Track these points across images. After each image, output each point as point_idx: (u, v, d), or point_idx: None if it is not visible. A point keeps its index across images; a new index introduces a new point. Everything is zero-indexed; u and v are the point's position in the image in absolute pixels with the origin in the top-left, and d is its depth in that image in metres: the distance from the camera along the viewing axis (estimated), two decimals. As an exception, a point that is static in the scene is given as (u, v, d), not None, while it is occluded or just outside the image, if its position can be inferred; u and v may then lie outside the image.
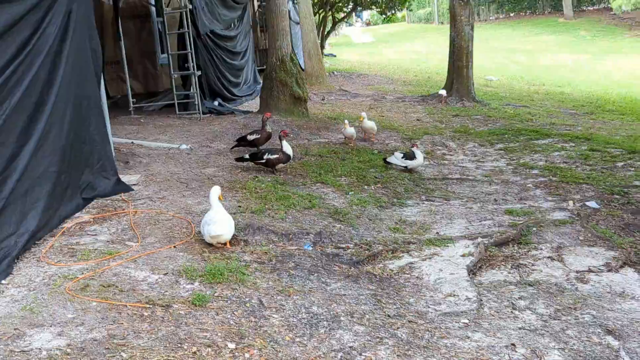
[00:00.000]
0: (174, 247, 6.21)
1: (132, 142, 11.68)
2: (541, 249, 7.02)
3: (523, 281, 6.20)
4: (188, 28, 14.56)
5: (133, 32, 18.42)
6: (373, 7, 31.15)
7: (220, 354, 4.30)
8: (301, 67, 24.18)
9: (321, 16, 28.96)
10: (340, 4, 29.98)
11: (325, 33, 29.02)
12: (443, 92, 18.92)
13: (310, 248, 6.72)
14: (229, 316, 4.85)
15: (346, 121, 11.67)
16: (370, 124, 12.63)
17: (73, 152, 7.37)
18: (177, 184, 8.51)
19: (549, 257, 6.82)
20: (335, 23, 30.80)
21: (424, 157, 10.30)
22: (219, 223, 6.06)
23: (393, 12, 34.09)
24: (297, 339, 4.65)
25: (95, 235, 6.58)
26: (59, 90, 7.00)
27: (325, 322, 4.95)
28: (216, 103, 16.11)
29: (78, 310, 4.74)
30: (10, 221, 5.85)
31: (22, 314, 4.67)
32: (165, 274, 5.50)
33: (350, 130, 11.90)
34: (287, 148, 9.37)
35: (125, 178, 8.63)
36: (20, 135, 6.22)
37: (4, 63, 5.99)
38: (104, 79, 17.73)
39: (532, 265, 6.64)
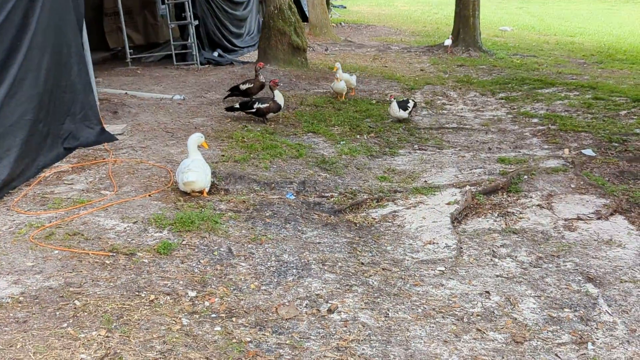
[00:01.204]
0: (149, 195, 6.06)
1: (126, 93, 11.50)
2: (531, 197, 6.81)
3: (508, 229, 6.01)
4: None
5: (133, -18, 18.08)
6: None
7: (179, 302, 4.17)
8: (305, 17, 23.81)
9: (328, -34, 28.42)
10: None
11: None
12: (449, 42, 18.52)
13: (293, 197, 6.55)
14: (194, 264, 4.71)
15: (337, 74, 11.21)
16: (346, 77, 11.72)
17: (52, 100, 7.20)
18: (162, 134, 8.34)
19: (538, 205, 6.62)
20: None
21: (406, 109, 9.91)
22: (193, 170, 5.90)
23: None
24: (263, 287, 4.51)
25: (72, 184, 6.45)
26: (34, 37, 6.80)
27: (294, 270, 4.80)
28: (215, 54, 15.84)
29: (38, 259, 4.62)
30: (-21, 170, 5.71)
31: (-19, 262, 4.55)
32: (134, 223, 5.36)
33: (341, 85, 11.33)
34: (278, 97, 9.14)
35: (110, 128, 8.47)
36: (-12, 83, 6.05)
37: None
38: (103, 29, 17.54)
39: (520, 213, 6.45)
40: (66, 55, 7.61)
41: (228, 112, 9.54)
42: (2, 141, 6.11)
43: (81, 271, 4.45)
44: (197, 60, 14.47)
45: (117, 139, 8.08)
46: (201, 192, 6.16)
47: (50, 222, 5.31)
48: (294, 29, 13.83)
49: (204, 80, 12.78)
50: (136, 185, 6.37)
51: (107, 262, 4.62)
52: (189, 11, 14.43)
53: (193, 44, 14.49)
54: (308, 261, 4.97)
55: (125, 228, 5.25)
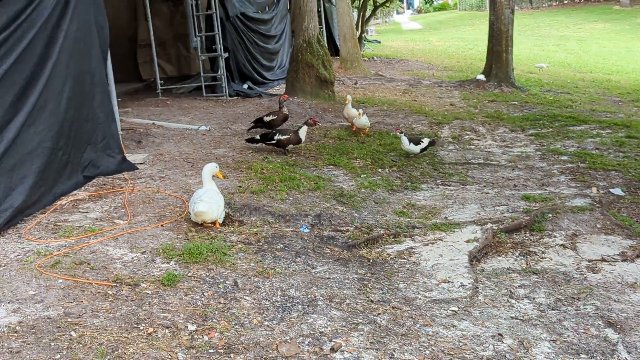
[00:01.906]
0: (161, 225, 6.00)
1: (153, 123, 11.55)
2: (554, 237, 6.63)
3: (528, 269, 5.83)
4: (216, 9, 14.35)
5: (167, 14, 18.31)
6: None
7: (177, 336, 4.07)
8: (337, 50, 23.88)
9: (361, 1, 28.49)
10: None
11: (366, 18, 28.53)
12: (481, 77, 18.35)
13: (307, 230, 6.45)
14: (197, 297, 4.62)
15: (360, 111, 11.06)
16: (353, 112, 11.17)
17: (73, 129, 7.23)
18: (182, 164, 8.31)
19: (561, 245, 6.43)
20: (376, 8, 30.31)
21: (418, 144, 9.71)
22: (205, 201, 5.83)
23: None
24: (266, 323, 4.39)
25: (87, 212, 6.43)
26: (56, 65, 6.86)
27: (299, 306, 4.68)
28: (245, 86, 15.90)
29: (41, 287, 4.56)
30: (-8, 197, 5.72)
31: (-17, 290, 4.51)
32: (142, 253, 5.29)
33: (363, 120, 11.07)
34: (302, 131, 9.09)
35: (131, 157, 8.47)
36: (8, 110, 6.08)
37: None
38: (136, 60, 17.75)
39: (542, 253, 6.26)
40: (89, 85, 7.65)
41: (249, 144, 9.50)
42: (18, 169, 6.12)
43: (82, 301, 4.38)
44: (226, 92, 14.53)
45: (137, 168, 8.07)
46: (213, 223, 6.08)
47: (59, 250, 5.27)
48: (322, 62, 13.83)
49: (231, 111, 12.80)
50: (150, 215, 6.32)
51: (110, 292, 4.55)
52: (220, 44, 14.53)
53: (222, 76, 14.55)
54: (315, 297, 4.85)
55: (132, 258, 5.19)
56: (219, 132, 10.74)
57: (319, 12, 25.12)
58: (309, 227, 6.53)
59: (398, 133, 9.69)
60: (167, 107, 13.59)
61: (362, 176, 8.56)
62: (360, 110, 10.87)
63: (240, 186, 7.32)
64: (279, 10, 19.84)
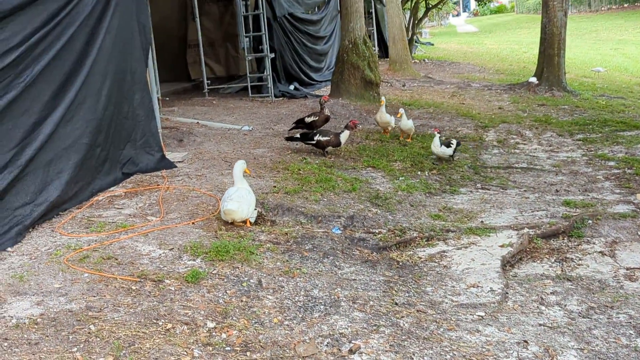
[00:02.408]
0: (193, 223, 6.03)
1: (197, 122, 11.66)
2: (593, 244, 6.45)
3: (563, 276, 5.68)
4: (263, 10, 14.42)
5: (217, 15, 18.47)
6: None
7: (196, 333, 4.07)
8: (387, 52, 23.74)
9: (413, 2, 28.30)
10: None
11: (417, 20, 28.33)
12: (533, 80, 18.03)
13: (339, 231, 6.41)
14: (220, 295, 4.62)
15: (402, 110, 10.87)
16: (409, 124, 10.88)
17: (112, 126, 7.33)
18: (220, 163, 8.36)
19: (599, 252, 6.25)
20: (428, 10, 30.08)
21: (449, 146, 9.45)
22: (234, 200, 5.83)
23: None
24: (286, 322, 4.37)
25: (121, 208, 6.50)
26: (95, 63, 6.96)
27: (322, 307, 4.64)
28: (292, 87, 15.94)
29: (67, 281, 4.62)
30: (27, 190, 5.82)
31: (11, 281, 4.60)
32: (170, 249, 5.32)
33: (409, 123, 10.79)
34: (343, 135, 9.04)
35: (171, 155, 8.56)
36: (46, 105, 6.19)
37: (29, 32, 5.94)
38: (186, 60, 17.93)
39: (579, 259, 6.10)
40: (129, 82, 7.75)
41: (289, 143, 9.51)
42: (55, 163, 6.22)
43: (105, 295, 4.42)
44: (271, 93, 14.58)
45: (176, 166, 8.15)
46: (244, 222, 6.08)
47: (89, 245, 5.34)
48: (368, 64, 13.77)
49: (274, 112, 12.84)
50: (183, 213, 6.37)
51: (133, 287, 4.58)
52: (266, 44, 14.59)
53: (268, 77, 14.61)
54: (338, 298, 4.81)
55: (160, 254, 5.22)
56: (260, 132, 10.77)
57: (370, 13, 25.10)
58: (341, 229, 6.48)
59: (436, 132, 9.49)
60: (213, 106, 13.71)
61: (400, 179, 8.47)
62: (402, 110, 10.71)
63: (275, 186, 7.32)
64: (329, 11, 19.85)
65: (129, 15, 7.75)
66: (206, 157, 8.64)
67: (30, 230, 5.72)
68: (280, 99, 14.82)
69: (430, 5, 30.55)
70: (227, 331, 4.14)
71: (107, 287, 4.55)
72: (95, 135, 6.89)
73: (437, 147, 9.33)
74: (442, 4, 34.81)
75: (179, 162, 8.39)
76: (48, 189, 6.06)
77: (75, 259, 5.01)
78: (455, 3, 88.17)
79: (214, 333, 4.10)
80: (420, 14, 28.93)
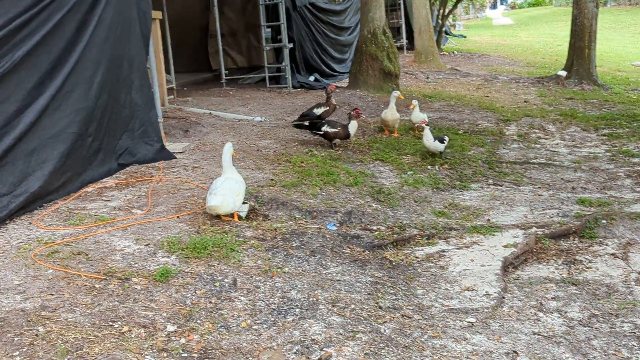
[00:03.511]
0: (177, 217, 5.76)
1: (210, 112, 11.40)
2: (606, 245, 6.04)
3: (568, 279, 5.29)
4: (281, -1, 14.11)
5: (239, 5, 18.15)
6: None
7: (153, 336, 3.78)
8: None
9: (442, -7, 27.76)
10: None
11: (446, 12, 27.72)
12: (562, 73, 17.46)
13: (334, 228, 6.08)
14: (188, 295, 4.32)
15: (415, 102, 10.44)
16: (420, 117, 10.26)
17: (106, 115, 7.09)
18: (221, 155, 8.04)
19: (611, 254, 5.84)
20: (458, 1, 29.42)
21: (442, 141, 8.86)
22: (218, 194, 5.53)
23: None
24: (255, 327, 4.06)
25: (108, 201, 6.25)
26: (87, 50, 6.71)
27: (297, 310, 4.32)
28: (312, 78, 15.60)
29: (28, 277, 4.37)
30: (5, 181, 5.59)
31: (-30, 277, 4.35)
32: (146, 245, 5.05)
33: (421, 115, 10.28)
34: (352, 126, 8.69)
35: (172, 146, 8.31)
36: (29, 93, 5.95)
37: (9, 17, 5.71)
38: (208, 52, 17.67)
39: (589, 262, 5.70)
40: (127, 70, 7.50)
41: (297, 132, 9.19)
42: (38, 153, 5.99)
43: (63, 294, 4.15)
44: (289, 84, 14.27)
45: (175, 157, 7.88)
46: (231, 215, 5.78)
47: (63, 239, 5.09)
48: (387, 55, 13.37)
49: (289, 103, 12.53)
50: (170, 206, 6.09)
51: (97, 286, 4.31)
52: (284, 34, 14.27)
53: (286, 67, 14.30)
54: (317, 300, 4.48)
55: (134, 250, 4.95)
56: (271, 123, 10.47)
57: (398, 4, 24.64)
58: (337, 225, 6.16)
59: (424, 124, 8.91)
60: (229, 97, 13.45)
61: (408, 173, 8.11)
62: (415, 101, 10.31)
63: (272, 179, 7.01)
64: (354, 1, 19.45)
65: (127, 1, 7.48)
66: (208, 148, 8.36)
67: (7, 222, 5.49)
68: (298, 90, 14.50)
69: (461, -4, 29.88)
70: (188, 335, 3.84)
71: (68, 284, 4.28)
72: (85, 124, 6.63)
73: (430, 140, 8.78)
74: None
75: (180, 153, 8.13)
76: (29, 180, 5.82)
77: (44, 253, 4.76)
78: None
79: (172, 337, 3.81)
80: (450, 6, 28.28)
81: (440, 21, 27.52)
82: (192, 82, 16.46)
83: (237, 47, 18.20)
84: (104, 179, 6.93)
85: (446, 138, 9.01)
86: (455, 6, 30.07)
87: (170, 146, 8.25)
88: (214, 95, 13.77)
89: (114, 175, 7.08)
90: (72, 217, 5.66)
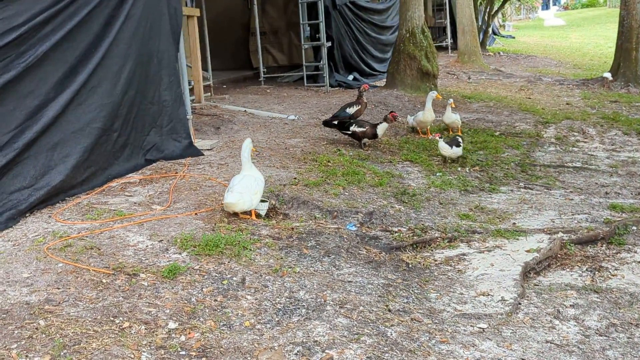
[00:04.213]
0: (195, 214, 5.75)
1: (245, 110, 11.42)
2: (634, 252, 5.85)
3: (590, 286, 5.12)
4: (319, -3, 14.06)
5: (281, 3, 18.16)
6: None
7: (153, 333, 3.76)
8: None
9: (488, -7, 27.35)
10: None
11: (492, 12, 27.33)
12: (608, 75, 17.05)
13: (354, 228, 6.01)
14: (194, 292, 4.30)
15: (451, 100, 10.28)
16: (452, 118, 10.35)
17: (133, 110, 7.13)
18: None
19: (639, 262, 5.64)
20: (504, 1, 28.98)
21: (459, 145, 8.59)
22: (235, 191, 5.50)
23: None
24: (258, 326, 4.01)
25: (130, 196, 6.28)
26: (114, 45, 6.76)
27: (303, 310, 4.26)
28: (351, 77, 15.52)
29: (38, 270, 4.40)
30: (26, 174, 5.65)
31: (-20, 269, 4.39)
32: (159, 241, 5.04)
33: (454, 116, 10.23)
34: (381, 127, 8.60)
35: (200, 143, 8.32)
36: (54, 87, 6.01)
37: (35, 12, 5.77)
38: (251, 50, 17.70)
39: (615, 269, 5.52)
40: (156, 67, 7.53)
41: (327, 132, 9.14)
42: (61, 147, 6.05)
43: (70, 288, 4.17)
44: (326, 82, 14.22)
45: (203, 154, 7.90)
46: (249, 213, 5.75)
47: (79, 233, 5.11)
48: (425, 54, 13.21)
49: (325, 102, 12.47)
50: (191, 202, 6.09)
51: (104, 280, 4.31)
52: (322, 33, 14.22)
53: (324, 66, 14.24)
54: (325, 301, 4.41)
55: (147, 246, 4.95)
56: (304, 122, 10.43)
57: (443, 3, 24.38)
58: (357, 225, 6.08)
59: (437, 137, 8.63)
60: (265, 95, 13.46)
61: (437, 174, 7.99)
62: (451, 100, 10.15)
63: (295, 178, 6.96)
64: (396, 0, 19.28)
65: (157, -3, 7.52)
66: (236, 145, 8.34)
67: (28, 215, 5.55)
68: (336, 88, 14.44)
69: (508, -4, 29.39)
70: (189, 333, 3.81)
71: (76, 279, 4.30)
72: (111, 119, 6.68)
73: (447, 150, 8.48)
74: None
75: (208, 149, 8.14)
76: (51, 174, 5.88)
77: (57, 247, 4.79)
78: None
79: (173, 335, 3.78)
80: (497, 6, 27.90)
81: (486, 21, 27.15)
82: (232, 80, 16.53)
83: (279, 45, 18.21)
84: (130, 174, 6.97)
85: (460, 140, 8.70)
86: (502, 6, 29.68)
87: (198, 143, 8.27)
88: (251, 93, 13.80)
89: (139, 171, 7.11)
90: (91, 211, 5.70)
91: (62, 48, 6.10)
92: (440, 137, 8.53)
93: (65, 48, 6.15)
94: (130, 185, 6.63)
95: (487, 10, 27.26)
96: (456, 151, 8.51)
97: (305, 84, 14.71)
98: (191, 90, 11.80)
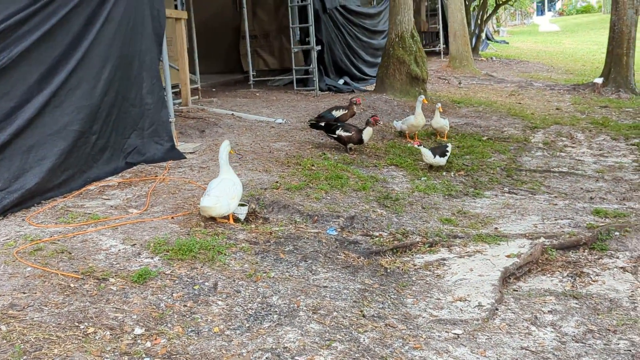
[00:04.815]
0: (172, 218, 5.66)
1: (232, 114, 11.35)
2: (616, 258, 5.78)
3: (570, 292, 5.05)
4: (310, 0, 13.98)
5: (272, 6, 18.09)
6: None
7: (118, 339, 3.67)
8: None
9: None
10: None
11: (485, 17, 27.32)
12: (598, 81, 17.02)
13: (334, 232, 5.93)
14: (164, 297, 4.21)
15: (439, 104, 10.22)
16: (441, 122, 10.24)
17: (113, 113, 7.05)
18: (231, 155, 7.95)
19: (621, 268, 5.59)
20: (497, 6, 28.97)
21: (444, 155, 8.37)
22: (212, 195, 5.42)
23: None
24: (227, 332, 3.93)
25: (108, 199, 6.20)
26: (93, 47, 6.68)
27: (275, 316, 4.18)
28: (341, 81, 15.45)
29: (4, 274, 4.31)
30: (-1, 177, 5.56)
31: (-54, 273, 4.31)
32: (132, 245, 4.96)
33: (443, 121, 10.18)
34: (366, 132, 8.54)
35: (182, 146, 8.24)
36: (29, 89, 5.93)
37: (10, 12, 5.69)
38: (242, 54, 17.63)
39: (596, 275, 5.45)
40: (137, 69, 7.46)
41: (315, 132, 9.09)
42: (36, 150, 5.96)
43: (35, 293, 4.08)
44: (316, 86, 14.15)
45: (185, 157, 7.82)
46: (226, 217, 5.67)
47: (52, 236, 5.02)
48: (414, 58, 13.16)
49: (313, 105, 12.41)
50: (168, 206, 6.01)
51: (72, 285, 4.23)
52: (312, 36, 14.16)
53: (314, 70, 14.18)
54: (298, 306, 4.33)
55: (120, 250, 4.86)
56: (291, 125, 10.36)
57: (436, 8, 24.37)
58: (338, 230, 6.00)
59: (417, 145, 8.40)
60: (254, 99, 13.40)
61: (422, 179, 7.92)
62: (439, 104, 10.09)
63: (277, 181, 6.88)
64: (388, 5, 19.24)
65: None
66: (220, 149, 8.25)
67: (1, 218, 5.46)
68: (326, 92, 14.38)
69: (501, 2, 29.40)
70: (155, 339, 3.73)
71: (43, 283, 4.21)
72: (89, 122, 6.60)
73: (430, 158, 8.30)
74: (512, 0, 33.46)
75: (190, 153, 8.06)
76: (25, 176, 5.79)
77: (27, 251, 4.70)
78: (539, 1, 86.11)
79: (138, 340, 3.70)
80: (489, 11, 27.90)
81: (479, 26, 27.14)
82: (222, 83, 16.47)
83: (269, 48, 18.14)
84: (110, 178, 6.89)
85: (448, 148, 8.51)
86: (494, 11, 29.65)
87: (181, 146, 8.19)
88: (240, 96, 13.73)
89: (119, 174, 7.02)
90: (66, 214, 5.61)
91: (40, 49, 6.02)
92: (419, 145, 8.32)
93: (43, 49, 6.07)
94: (109, 188, 6.55)
95: (480, 15, 27.24)
96: (439, 161, 8.33)
97: (295, 87, 14.65)
98: (178, 93, 11.75)
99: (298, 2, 15.01)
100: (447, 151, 8.39)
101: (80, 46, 6.49)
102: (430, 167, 8.36)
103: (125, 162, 7.32)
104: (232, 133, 9.38)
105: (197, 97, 12.78)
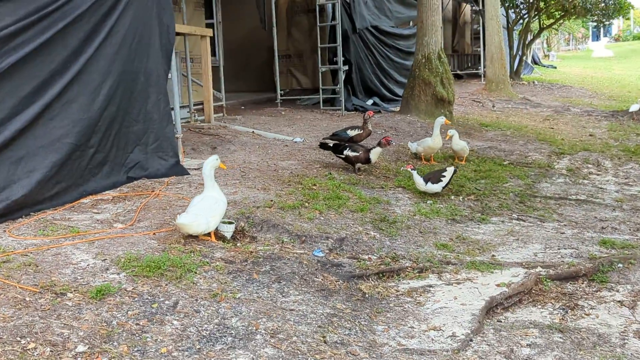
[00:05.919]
0: (154, 234, 5.59)
1: (253, 132, 11.32)
2: (616, 291, 5.51)
3: (557, 325, 4.81)
4: (339, 20, 13.94)
5: (306, 26, 18.12)
6: (587, 15, 28.35)
7: (58, 356, 3.59)
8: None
9: (525, 22, 26.89)
10: (550, 10, 27.50)
11: (528, 41, 26.95)
12: (635, 108, 16.55)
13: (321, 254, 5.79)
14: (118, 315, 4.12)
15: (453, 131, 9.94)
16: (460, 145, 10.08)
17: (115, 127, 7.05)
18: (234, 172, 7.92)
19: (618, 302, 5.31)
20: (541, 30, 28.53)
21: (438, 181, 7.84)
22: (191, 213, 5.33)
23: (609, 21, 30.96)
24: (175, 353, 3.80)
25: (98, 213, 6.17)
26: (93, 61, 6.69)
27: (229, 338, 4.04)
28: (370, 102, 15.33)
29: (-37, 285, 4.27)
30: (-18, 187, 5.57)
31: None
32: (103, 260, 4.89)
33: (461, 144, 9.96)
34: (374, 152, 8.38)
35: (188, 162, 8.22)
36: (22, 101, 5.95)
37: (3, 24, 5.72)
38: (273, 72, 17.72)
39: (590, 308, 5.20)
40: (143, 84, 7.45)
41: (322, 150, 8.97)
42: (26, 161, 5.96)
43: (-13, 305, 4.02)
44: (342, 106, 14.06)
45: (188, 174, 7.77)
46: (208, 235, 5.57)
47: (26, 248, 4.99)
48: (441, 80, 12.97)
49: (335, 125, 12.30)
50: (155, 221, 5.95)
51: (27, 298, 4.16)
52: (340, 56, 14.10)
53: (340, 89, 14.09)
54: (256, 329, 4.19)
55: (89, 264, 4.80)
56: (306, 144, 10.26)
57: (478, 31, 24.11)
58: (325, 251, 5.86)
59: (410, 169, 7.97)
60: (278, 117, 13.36)
61: (427, 202, 7.71)
62: (452, 132, 9.88)
63: (272, 200, 6.77)
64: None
65: (146, 14, 7.45)
66: (226, 166, 8.20)
67: (-19, 229, 5.46)
68: (352, 112, 14.26)
69: (544, 26, 28.95)
70: (97, 357, 3.63)
71: (-1, 295, 4.15)
72: (86, 135, 6.59)
73: (422, 185, 7.82)
74: (557, 25, 32.96)
75: (195, 169, 8.01)
76: (12, 188, 5.79)
77: (-5, 262, 4.66)
78: (594, 27, 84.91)
79: (79, 358, 3.60)
80: (531, 35, 27.54)
81: (522, 49, 26.78)
82: (253, 101, 16.50)
83: (303, 68, 18.17)
84: (107, 192, 6.86)
85: (445, 174, 7.90)
86: (537, 35, 29.23)
87: (186, 162, 8.16)
88: (266, 114, 13.71)
89: (117, 188, 7.00)
90: (48, 227, 5.59)
91: (34, 62, 6.04)
92: (412, 169, 7.89)
93: (38, 62, 6.09)
94: (103, 202, 6.53)
95: (523, 38, 26.87)
96: (431, 188, 7.81)
97: (322, 107, 14.58)
98: (202, 110, 11.79)
99: (329, 22, 14.97)
100: (444, 177, 7.84)
101: (78, 61, 6.49)
102: (425, 192, 8.02)
103: (127, 177, 7.30)
104: (243, 150, 9.33)
105: (221, 114, 12.80)
